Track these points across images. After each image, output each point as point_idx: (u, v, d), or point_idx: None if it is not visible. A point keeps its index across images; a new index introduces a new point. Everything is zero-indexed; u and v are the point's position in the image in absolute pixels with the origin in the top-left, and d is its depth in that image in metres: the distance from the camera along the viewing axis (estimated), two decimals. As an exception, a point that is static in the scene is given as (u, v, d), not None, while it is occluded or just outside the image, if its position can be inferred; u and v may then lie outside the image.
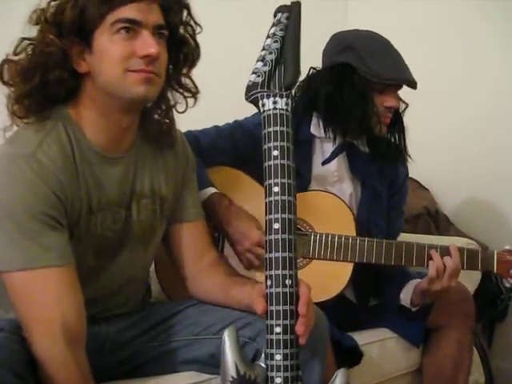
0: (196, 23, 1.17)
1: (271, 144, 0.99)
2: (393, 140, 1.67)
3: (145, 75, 1.06)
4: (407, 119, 1.68)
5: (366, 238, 1.53)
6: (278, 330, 0.91)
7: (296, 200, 0.99)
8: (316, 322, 1.07)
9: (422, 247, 1.51)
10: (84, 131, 1.11)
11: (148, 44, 1.04)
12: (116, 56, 1.04)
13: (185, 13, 1.16)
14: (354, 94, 1.56)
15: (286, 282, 0.92)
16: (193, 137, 1.51)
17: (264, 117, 1.01)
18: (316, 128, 1.65)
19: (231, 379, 0.93)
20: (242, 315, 1.16)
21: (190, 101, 1.22)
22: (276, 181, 0.97)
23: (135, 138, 1.20)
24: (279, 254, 0.93)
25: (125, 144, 1.17)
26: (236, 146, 1.61)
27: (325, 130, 1.63)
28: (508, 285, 1.51)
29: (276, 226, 0.94)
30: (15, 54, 1.06)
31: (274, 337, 0.92)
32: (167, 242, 1.32)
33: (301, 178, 1.56)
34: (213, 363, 1.16)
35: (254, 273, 1.50)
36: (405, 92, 1.63)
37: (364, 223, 1.62)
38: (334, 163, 1.66)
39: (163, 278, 1.49)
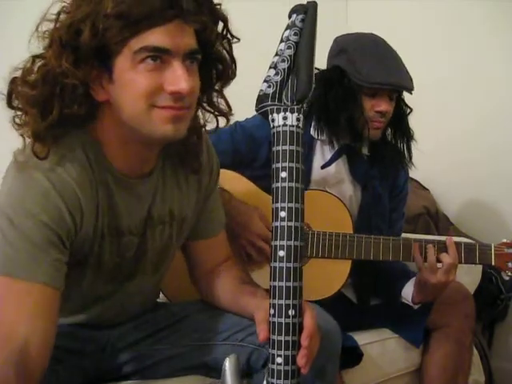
0: (233, 36, 1.03)
1: (279, 165, 0.92)
2: (395, 144, 1.66)
3: (173, 113, 0.93)
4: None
5: (364, 236, 1.54)
6: (279, 360, 0.88)
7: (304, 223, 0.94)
8: (327, 338, 1.04)
9: (419, 243, 1.52)
10: (104, 152, 1.02)
11: (178, 78, 0.91)
12: (140, 90, 0.91)
13: (221, 25, 1.01)
14: (341, 97, 1.54)
15: (290, 312, 0.89)
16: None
17: (273, 133, 0.95)
18: (315, 130, 1.63)
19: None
20: (252, 322, 1.10)
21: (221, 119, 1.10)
22: (283, 205, 0.91)
23: (158, 160, 1.10)
24: (283, 284, 0.89)
25: (146, 169, 1.08)
26: (236, 148, 1.59)
27: (318, 133, 1.61)
28: (506, 278, 1.52)
29: (281, 253, 0.89)
30: (25, 75, 0.92)
31: (275, 367, 0.89)
32: (186, 253, 1.28)
33: None
34: (220, 368, 1.13)
35: (254, 269, 1.51)
36: (405, 93, 1.61)
37: (366, 226, 1.62)
38: (333, 166, 1.65)
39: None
